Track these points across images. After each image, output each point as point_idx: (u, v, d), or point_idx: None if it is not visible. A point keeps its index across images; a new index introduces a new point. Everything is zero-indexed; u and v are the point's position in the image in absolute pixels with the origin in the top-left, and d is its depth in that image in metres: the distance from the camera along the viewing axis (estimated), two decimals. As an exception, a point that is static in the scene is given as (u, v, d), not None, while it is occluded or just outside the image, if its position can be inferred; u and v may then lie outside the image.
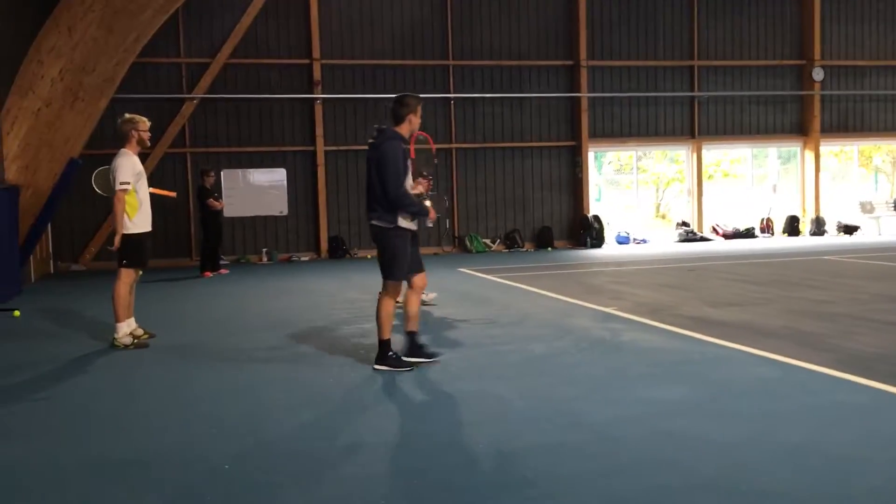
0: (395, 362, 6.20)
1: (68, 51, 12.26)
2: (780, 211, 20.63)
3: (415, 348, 6.40)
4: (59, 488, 3.93)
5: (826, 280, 11.19)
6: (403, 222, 6.17)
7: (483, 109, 18.52)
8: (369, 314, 8.49)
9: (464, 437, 4.54)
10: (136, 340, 7.53)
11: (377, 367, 6.22)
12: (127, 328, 7.53)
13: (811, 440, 4.29)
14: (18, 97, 11.72)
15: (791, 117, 20.44)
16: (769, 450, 4.14)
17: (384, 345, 6.25)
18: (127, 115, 7.68)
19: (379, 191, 6.10)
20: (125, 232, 7.39)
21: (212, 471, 4.10)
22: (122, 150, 7.50)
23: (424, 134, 6.65)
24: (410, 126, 6.29)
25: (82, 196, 15.79)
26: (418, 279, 6.39)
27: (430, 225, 6.85)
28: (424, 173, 6.65)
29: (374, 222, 6.22)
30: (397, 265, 6.21)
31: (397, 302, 6.46)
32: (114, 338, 7.49)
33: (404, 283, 6.39)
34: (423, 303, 9.98)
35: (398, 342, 6.48)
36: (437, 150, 18.20)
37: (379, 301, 6.29)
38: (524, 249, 18.50)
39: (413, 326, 6.41)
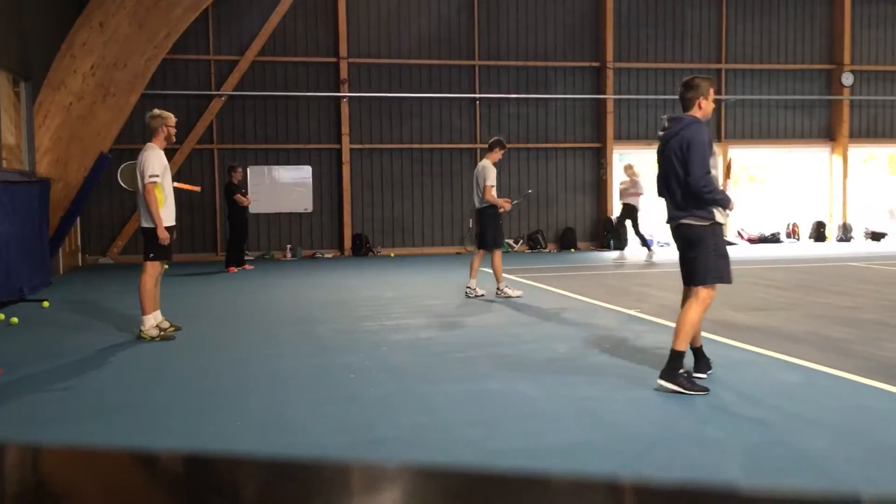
0: (688, 383, 5.31)
1: (100, 46, 12.44)
2: (807, 216, 20.43)
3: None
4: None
5: (852, 286, 11.08)
6: (720, 216, 5.37)
7: (508, 110, 18.53)
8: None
9: (485, 434, 4.56)
10: (162, 333, 7.63)
11: (662, 382, 5.35)
12: (153, 320, 7.64)
13: (830, 445, 4.27)
14: (51, 91, 11.91)
15: (819, 122, 20.24)
16: (792, 455, 4.13)
17: (677, 357, 5.34)
18: (156, 111, 7.74)
19: (683, 183, 5.30)
20: (148, 225, 7.50)
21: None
22: (149, 143, 7.60)
23: None
24: (702, 112, 5.45)
25: (111, 190, 16.03)
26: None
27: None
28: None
29: (685, 221, 5.39)
30: (718, 267, 5.36)
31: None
32: (140, 329, 7.60)
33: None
34: (477, 295, 10.11)
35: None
36: (462, 150, 18.33)
37: (688, 308, 5.44)
38: (547, 250, 18.48)
39: (697, 341, 5.76)
